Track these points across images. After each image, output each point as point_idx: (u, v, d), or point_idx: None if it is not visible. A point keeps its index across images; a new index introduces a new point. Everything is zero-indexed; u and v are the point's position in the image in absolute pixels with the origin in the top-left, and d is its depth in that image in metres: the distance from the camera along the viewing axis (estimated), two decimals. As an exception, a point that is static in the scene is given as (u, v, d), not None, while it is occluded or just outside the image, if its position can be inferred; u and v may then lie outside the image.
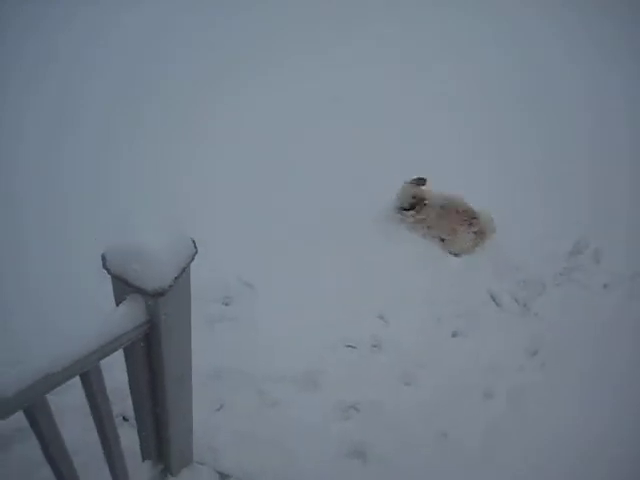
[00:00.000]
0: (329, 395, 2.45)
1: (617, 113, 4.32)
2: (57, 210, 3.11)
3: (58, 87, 4.07)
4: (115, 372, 1.52)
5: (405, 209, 3.15)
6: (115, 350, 1.28)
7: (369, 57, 4.66)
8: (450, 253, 3.19)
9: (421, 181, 3.18)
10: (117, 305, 1.31)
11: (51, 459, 1.34)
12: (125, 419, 2.18)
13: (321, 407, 2.40)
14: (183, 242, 1.30)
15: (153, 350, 1.42)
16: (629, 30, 5.40)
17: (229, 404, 2.37)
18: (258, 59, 4.50)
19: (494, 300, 3.02)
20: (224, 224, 3.09)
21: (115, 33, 4.70)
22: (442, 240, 3.21)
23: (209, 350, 2.38)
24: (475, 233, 3.12)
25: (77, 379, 1.26)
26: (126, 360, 1.47)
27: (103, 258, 1.23)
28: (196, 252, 1.31)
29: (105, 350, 1.24)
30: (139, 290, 1.23)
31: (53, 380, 1.13)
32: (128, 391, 1.58)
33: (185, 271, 1.29)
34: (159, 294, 1.22)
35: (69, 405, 1.82)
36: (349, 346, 2.68)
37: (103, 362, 1.29)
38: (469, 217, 3.12)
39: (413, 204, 3.13)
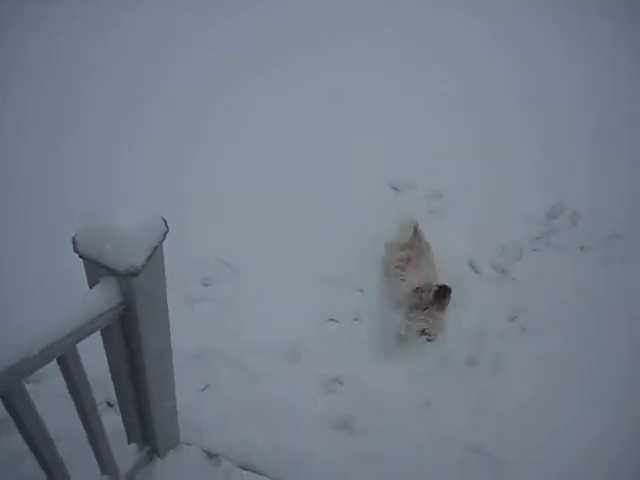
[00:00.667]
0: (312, 369, 2.51)
1: (617, 113, 4.32)
2: (57, 210, 3.11)
3: (58, 87, 4.07)
4: (97, 359, 1.51)
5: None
6: (92, 332, 1.27)
7: (369, 57, 4.65)
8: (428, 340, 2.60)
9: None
10: (90, 287, 1.30)
11: (33, 446, 1.34)
12: (110, 405, 2.20)
13: (305, 381, 2.46)
14: (154, 220, 1.29)
15: (130, 330, 1.41)
16: (629, 30, 5.39)
17: (213, 384, 2.40)
18: (258, 59, 4.50)
19: (473, 268, 3.08)
20: (222, 222, 3.11)
21: (115, 33, 4.70)
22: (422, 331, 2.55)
23: (191, 331, 2.43)
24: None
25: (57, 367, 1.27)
26: (104, 342, 1.46)
27: (74, 241, 1.20)
28: (167, 230, 1.30)
29: (81, 333, 1.23)
30: (112, 272, 1.22)
31: (30, 364, 1.12)
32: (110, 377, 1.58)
33: (157, 249, 1.27)
34: (132, 274, 1.21)
35: (50, 393, 1.82)
36: (332, 320, 2.75)
37: (83, 350, 1.28)
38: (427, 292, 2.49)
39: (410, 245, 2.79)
